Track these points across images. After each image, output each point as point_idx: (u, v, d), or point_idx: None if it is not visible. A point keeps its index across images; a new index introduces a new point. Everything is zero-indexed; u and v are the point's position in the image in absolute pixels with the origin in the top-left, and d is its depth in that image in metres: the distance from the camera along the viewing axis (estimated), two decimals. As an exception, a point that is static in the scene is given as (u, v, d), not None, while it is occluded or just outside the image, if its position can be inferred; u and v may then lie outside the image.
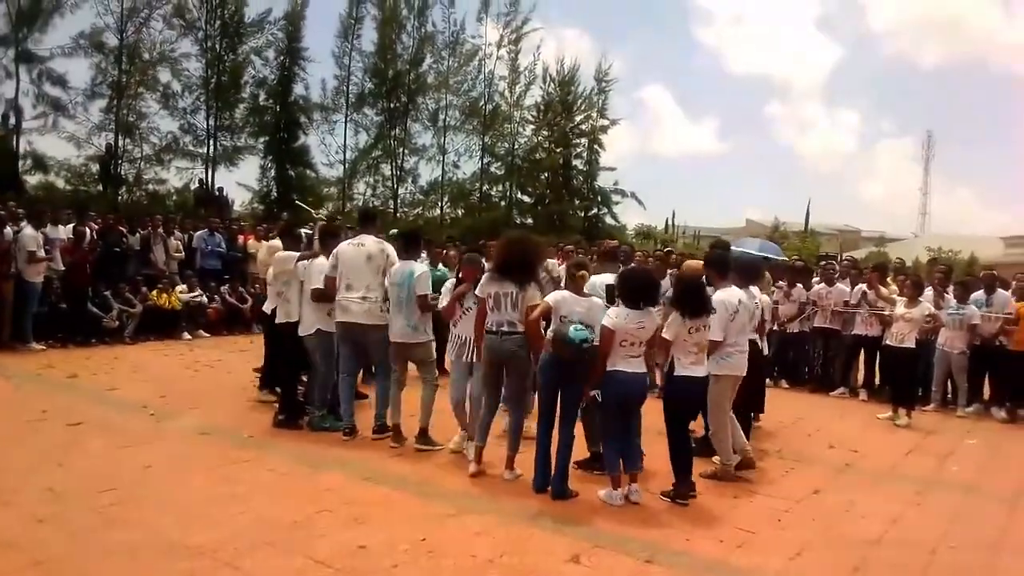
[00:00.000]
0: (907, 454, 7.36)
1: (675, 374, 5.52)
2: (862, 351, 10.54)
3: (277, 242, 7.84)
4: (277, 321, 7.08)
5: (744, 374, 6.06)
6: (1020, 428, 8.95)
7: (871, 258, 35.24)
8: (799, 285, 10.86)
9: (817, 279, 11.26)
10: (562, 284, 6.04)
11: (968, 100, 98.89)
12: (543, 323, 5.48)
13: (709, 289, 5.80)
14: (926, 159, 66.83)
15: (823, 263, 12.78)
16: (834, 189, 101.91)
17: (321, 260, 6.71)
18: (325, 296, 6.54)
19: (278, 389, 7.41)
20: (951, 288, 10.22)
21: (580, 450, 5.72)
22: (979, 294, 9.87)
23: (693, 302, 5.47)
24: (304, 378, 7.16)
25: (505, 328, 5.53)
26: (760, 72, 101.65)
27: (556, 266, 9.03)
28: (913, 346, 8.68)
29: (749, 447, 6.28)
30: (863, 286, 10.44)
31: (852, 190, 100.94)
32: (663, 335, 5.40)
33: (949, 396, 9.95)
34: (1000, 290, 9.88)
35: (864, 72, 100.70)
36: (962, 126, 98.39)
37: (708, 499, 5.51)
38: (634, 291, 5.25)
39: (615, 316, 5.18)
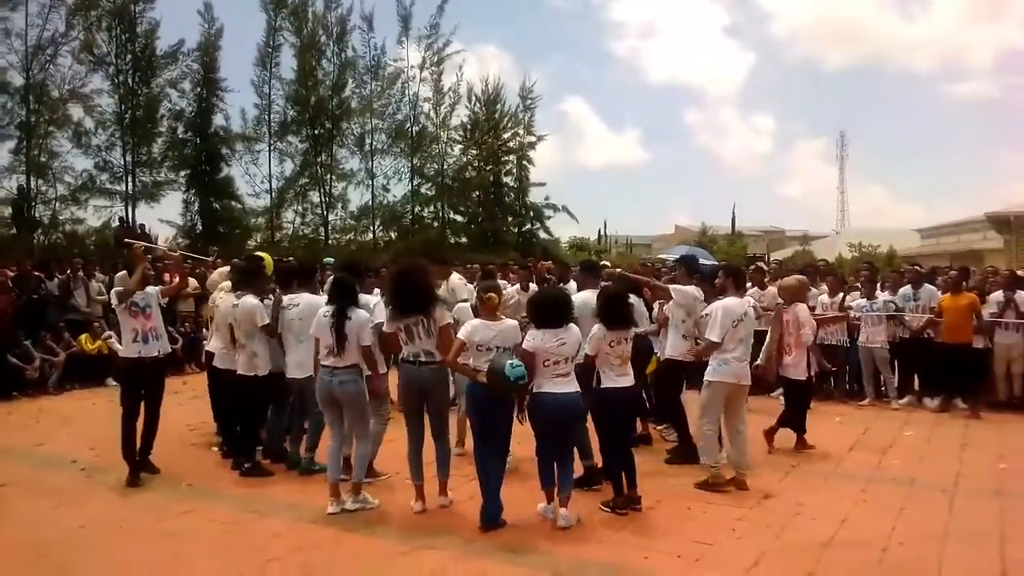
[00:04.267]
0: (849, 451, 7.54)
1: (601, 386, 5.51)
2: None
3: (227, 283, 7.24)
4: (241, 372, 6.55)
5: (746, 384, 6.19)
6: (952, 417, 9.27)
7: (797, 256, 36.48)
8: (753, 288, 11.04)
9: (749, 284, 11.47)
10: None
11: (873, 99, 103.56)
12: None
13: (713, 304, 6.00)
14: (840, 158, 69.73)
15: (752, 265, 13.04)
16: (756, 191, 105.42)
17: (309, 298, 6.41)
18: None
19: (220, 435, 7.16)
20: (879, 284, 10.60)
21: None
22: (906, 289, 10.24)
23: (614, 314, 5.52)
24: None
25: (423, 358, 5.39)
26: (676, 81, 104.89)
27: (460, 284, 8.91)
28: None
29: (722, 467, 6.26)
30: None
31: (773, 191, 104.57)
32: (586, 351, 5.43)
33: (883, 389, 10.24)
34: (926, 284, 10.28)
35: (774, 77, 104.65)
36: (870, 125, 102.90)
37: (662, 511, 5.54)
38: (548, 310, 5.21)
39: (532, 338, 5.14)
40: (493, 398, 5.11)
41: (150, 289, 6.43)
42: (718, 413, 6.23)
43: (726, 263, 7.08)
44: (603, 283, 6.50)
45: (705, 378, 6.18)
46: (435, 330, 5.34)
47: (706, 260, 11.62)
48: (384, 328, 5.60)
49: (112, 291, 6.56)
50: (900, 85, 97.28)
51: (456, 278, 8.91)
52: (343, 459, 6.16)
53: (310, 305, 6.31)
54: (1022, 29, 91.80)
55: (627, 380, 5.53)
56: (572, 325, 5.27)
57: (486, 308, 5.29)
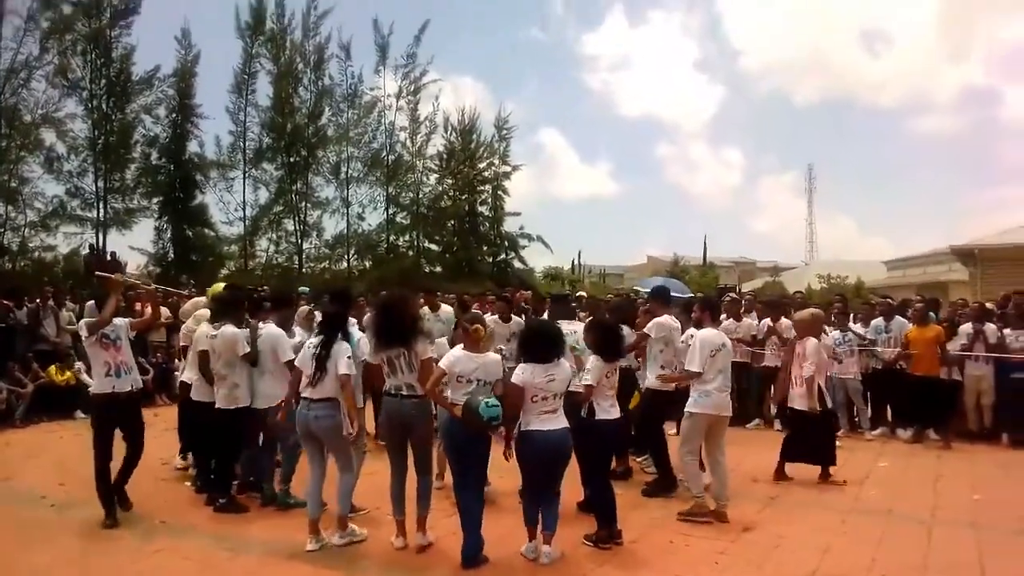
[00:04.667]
0: (827, 481, 7.56)
1: (596, 419, 5.49)
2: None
3: (204, 312, 7.21)
4: (220, 406, 6.41)
5: (726, 415, 6.25)
6: (925, 448, 9.37)
7: (767, 287, 36.87)
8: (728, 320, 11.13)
9: (724, 315, 11.55)
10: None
11: (841, 134, 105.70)
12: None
13: (690, 330, 5.98)
14: (809, 191, 70.77)
15: (726, 297, 13.17)
16: (727, 223, 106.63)
17: (272, 328, 6.42)
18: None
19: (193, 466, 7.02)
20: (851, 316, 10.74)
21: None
22: (878, 321, 10.42)
23: (610, 345, 5.55)
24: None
25: (404, 391, 5.32)
26: (648, 115, 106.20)
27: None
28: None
29: (706, 496, 6.26)
30: (768, 320, 10.83)
31: (743, 223, 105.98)
32: (587, 380, 5.41)
33: (857, 420, 10.34)
34: (898, 316, 10.45)
35: (744, 111, 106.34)
36: (839, 158, 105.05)
37: (645, 544, 5.53)
38: (538, 344, 5.16)
39: (522, 372, 5.06)
40: (467, 433, 5.03)
41: (119, 321, 6.14)
42: (699, 444, 6.28)
43: (703, 296, 7.20)
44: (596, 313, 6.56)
45: (687, 409, 6.22)
46: (416, 363, 5.28)
47: (681, 293, 11.74)
48: (369, 359, 5.56)
49: (82, 322, 6.33)
50: (867, 120, 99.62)
51: (449, 308, 8.87)
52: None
53: (270, 336, 6.35)
54: (984, 67, 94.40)
55: (616, 411, 5.55)
56: (563, 360, 5.21)
57: (471, 340, 5.21)
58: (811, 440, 7.51)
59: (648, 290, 10.79)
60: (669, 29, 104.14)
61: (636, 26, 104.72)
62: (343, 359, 5.43)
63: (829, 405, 7.69)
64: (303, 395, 5.50)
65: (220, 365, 6.38)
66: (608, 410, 5.50)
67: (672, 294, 10.24)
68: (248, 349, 6.33)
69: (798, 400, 7.54)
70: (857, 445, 9.45)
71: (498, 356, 5.42)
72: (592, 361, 5.52)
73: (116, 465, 6.18)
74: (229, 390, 6.37)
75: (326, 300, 6.69)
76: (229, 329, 6.38)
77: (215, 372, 6.42)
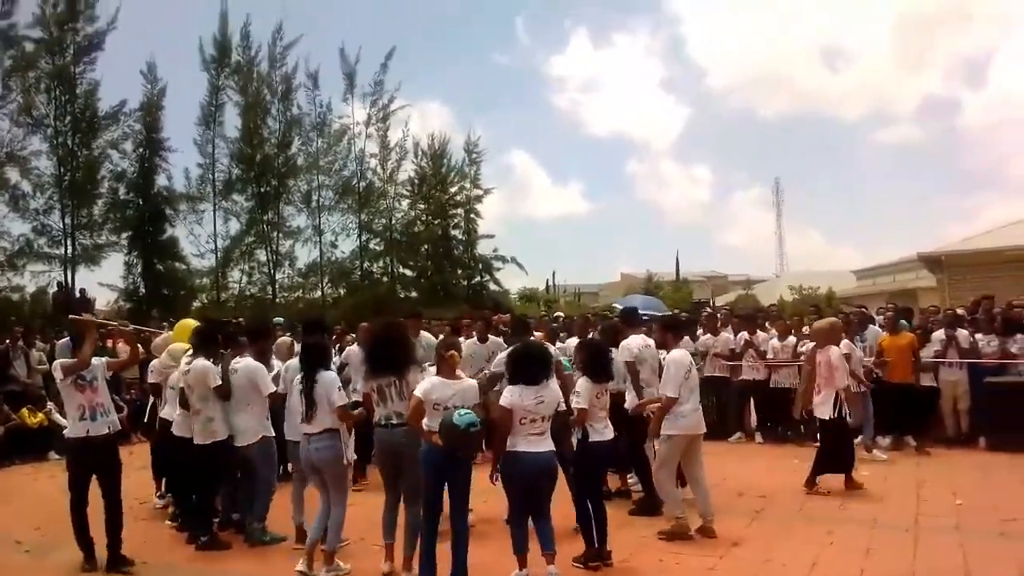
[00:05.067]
0: (810, 493, 7.60)
1: (589, 440, 5.49)
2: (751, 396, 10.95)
3: (177, 345, 7.12)
4: (198, 442, 6.28)
5: (701, 432, 6.26)
6: (905, 455, 9.46)
7: (740, 300, 37.21)
8: (686, 337, 11.17)
9: (701, 331, 11.64)
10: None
11: (806, 148, 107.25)
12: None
13: (661, 352, 5.97)
14: (777, 204, 71.50)
15: (704, 313, 13.27)
16: (698, 239, 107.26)
17: (249, 362, 6.35)
18: (279, 398, 6.27)
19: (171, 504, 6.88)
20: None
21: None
22: (852, 330, 10.50)
23: (598, 366, 5.56)
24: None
25: (395, 420, 5.28)
26: (616, 134, 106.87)
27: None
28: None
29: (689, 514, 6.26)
30: (745, 333, 10.92)
31: (714, 238, 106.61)
32: (578, 404, 5.40)
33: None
34: (872, 326, 10.58)
35: (710, 129, 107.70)
36: (805, 172, 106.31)
37: (634, 563, 5.53)
38: (526, 366, 5.12)
39: (510, 394, 5.02)
40: (450, 457, 4.92)
41: (95, 361, 5.86)
42: (676, 465, 6.26)
43: (664, 316, 7.26)
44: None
45: (663, 432, 6.16)
46: (408, 392, 5.23)
47: (658, 311, 11.83)
48: (361, 388, 5.54)
49: (56, 363, 6.02)
50: (831, 133, 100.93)
51: (428, 335, 8.77)
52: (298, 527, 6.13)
53: (247, 370, 6.27)
54: (941, 77, 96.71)
55: (610, 432, 5.56)
56: (551, 382, 5.18)
57: (447, 366, 5.17)
58: (838, 449, 7.55)
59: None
60: (634, 51, 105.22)
61: (601, 48, 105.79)
62: (335, 391, 5.42)
63: (847, 414, 7.67)
64: (302, 431, 5.50)
65: (194, 399, 6.28)
66: (601, 431, 5.50)
67: (648, 312, 10.36)
68: (219, 382, 6.24)
69: (820, 408, 7.59)
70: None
71: (474, 382, 5.40)
72: (581, 383, 5.52)
73: (94, 507, 5.97)
74: (204, 424, 6.26)
75: (301, 331, 6.64)
76: (200, 362, 6.29)
77: (191, 407, 6.33)
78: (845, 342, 9.09)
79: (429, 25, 66.24)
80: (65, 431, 6.08)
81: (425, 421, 5.01)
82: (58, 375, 5.78)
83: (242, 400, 6.27)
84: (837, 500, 7.31)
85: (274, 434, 6.45)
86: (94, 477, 5.84)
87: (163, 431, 7.04)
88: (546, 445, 5.05)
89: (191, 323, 7.48)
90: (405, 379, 5.26)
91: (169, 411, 6.91)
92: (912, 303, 18.95)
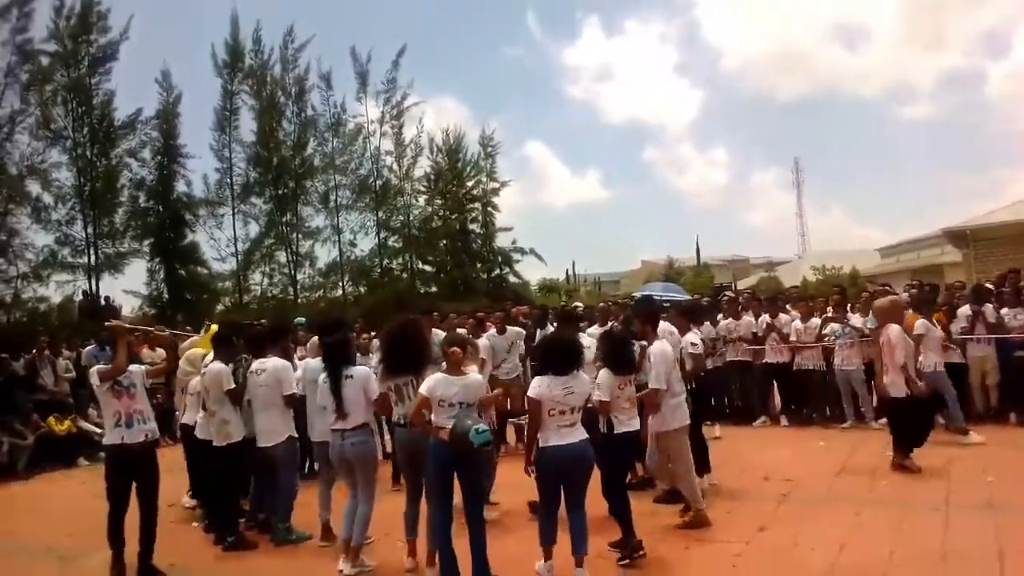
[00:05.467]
0: (837, 475, 7.52)
1: (615, 432, 5.44)
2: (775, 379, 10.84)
3: (197, 351, 7.27)
4: (216, 444, 6.35)
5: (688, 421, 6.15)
6: (935, 433, 9.28)
7: (762, 283, 36.91)
8: (707, 323, 11.09)
9: (722, 315, 11.53)
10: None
11: (825, 126, 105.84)
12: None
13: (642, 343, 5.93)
14: (797, 184, 70.62)
15: (724, 297, 13.14)
16: (718, 222, 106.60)
17: (277, 362, 6.37)
18: (296, 401, 6.32)
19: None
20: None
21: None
22: (875, 309, 10.33)
23: (621, 357, 5.51)
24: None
25: None
26: (633, 121, 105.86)
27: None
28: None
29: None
30: (767, 316, 10.81)
31: (734, 221, 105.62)
32: (599, 396, 5.34)
33: (863, 410, 10.27)
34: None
35: (726, 111, 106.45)
36: (825, 151, 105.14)
37: (661, 551, 5.48)
38: (559, 355, 5.06)
39: (539, 384, 4.96)
40: (457, 453, 4.87)
41: (135, 368, 5.76)
42: (689, 453, 6.20)
43: (687, 301, 7.15)
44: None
45: (670, 428, 6.03)
46: None
47: (678, 295, 11.74)
48: (378, 387, 5.52)
49: (93, 369, 5.91)
50: (850, 111, 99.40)
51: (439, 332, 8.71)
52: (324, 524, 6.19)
53: (275, 370, 6.27)
54: (960, 53, 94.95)
55: (636, 423, 5.51)
56: (581, 373, 5.10)
57: (450, 362, 5.14)
58: (913, 424, 7.45)
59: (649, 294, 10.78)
60: (647, 38, 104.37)
61: (613, 36, 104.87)
62: (372, 383, 5.52)
63: (919, 390, 7.56)
64: (333, 428, 5.53)
65: (210, 401, 6.35)
66: (626, 423, 5.45)
67: (668, 296, 10.29)
68: (232, 385, 6.28)
69: (892, 388, 7.47)
70: (865, 436, 9.38)
71: (479, 377, 5.38)
72: (602, 375, 5.45)
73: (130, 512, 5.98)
74: (219, 426, 6.32)
75: (320, 332, 6.64)
76: (215, 365, 6.36)
77: (208, 409, 6.40)
78: (921, 320, 8.97)
79: (441, 21, 66.09)
80: (103, 439, 6.06)
81: (432, 417, 4.99)
82: (94, 380, 5.70)
83: (268, 400, 6.29)
84: (866, 481, 7.21)
85: (297, 435, 6.48)
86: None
87: (184, 435, 7.13)
88: (578, 435, 4.97)
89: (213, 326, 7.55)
90: (423, 378, 5.21)
91: (190, 416, 6.98)
92: (938, 279, 18.68)
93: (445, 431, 4.84)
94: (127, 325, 6.42)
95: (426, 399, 4.97)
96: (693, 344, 6.78)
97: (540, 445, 4.97)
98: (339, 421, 5.47)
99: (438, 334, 8.88)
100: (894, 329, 7.53)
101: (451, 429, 4.80)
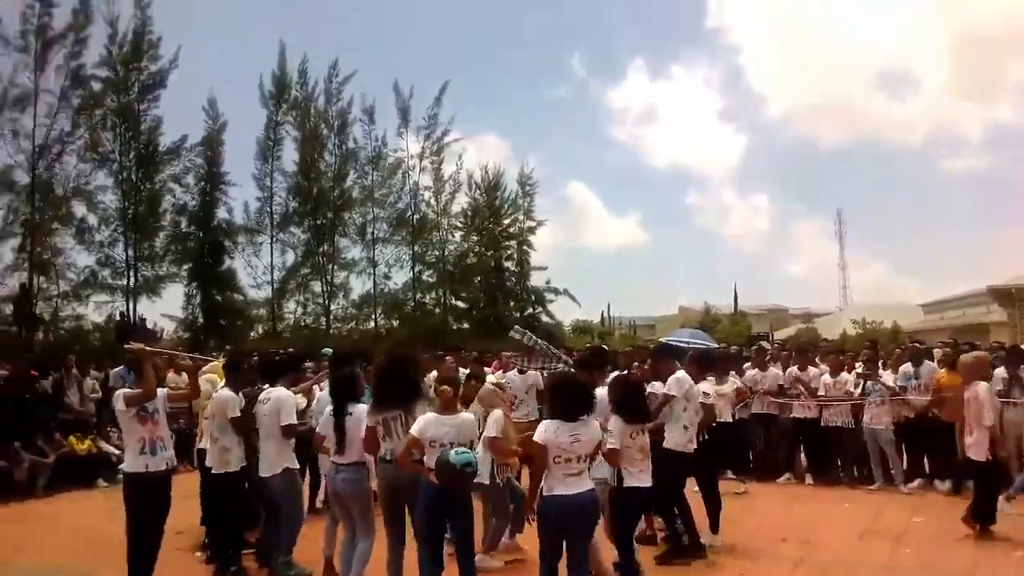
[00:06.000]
0: (859, 539, 7.23)
1: (625, 485, 5.26)
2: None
3: (208, 377, 7.17)
4: (214, 472, 6.30)
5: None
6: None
7: (800, 335, 36.29)
8: (732, 372, 10.83)
9: (749, 364, 11.27)
10: None
11: (869, 176, 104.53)
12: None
13: (656, 384, 5.80)
14: (840, 235, 69.54)
15: (755, 346, 12.89)
16: (758, 270, 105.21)
17: (280, 391, 6.25)
18: (294, 432, 6.16)
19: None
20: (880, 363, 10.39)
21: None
22: (907, 367, 10.00)
23: (632, 405, 5.35)
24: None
25: None
26: (675, 165, 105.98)
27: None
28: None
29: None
30: (795, 369, 10.53)
31: (774, 270, 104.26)
32: (610, 445, 5.13)
33: (892, 472, 9.89)
34: (927, 361, 10.07)
35: (769, 158, 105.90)
36: (869, 201, 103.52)
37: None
38: (564, 399, 4.83)
39: (544, 429, 4.73)
40: (448, 494, 4.79)
41: (158, 391, 5.67)
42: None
43: (701, 349, 7.01)
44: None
45: None
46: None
47: (706, 341, 11.51)
48: (366, 422, 5.43)
49: (119, 393, 5.69)
50: (895, 161, 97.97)
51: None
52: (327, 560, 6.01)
53: (277, 400, 6.17)
54: (1010, 105, 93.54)
55: (648, 478, 5.31)
56: (591, 419, 4.85)
57: (441, 402, 5.06)
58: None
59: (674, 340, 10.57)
60: (691, 82, 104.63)
61: (658, 79, 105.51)
62: (363, 424, 5.39)
63: (1006, 454, 7.28)
64: (332, 460, 5.50)
65: (214, 427, 6.31)
66: (637, 476, 5.26)
67: (695, 343, 10.08)
68: (236, 413, 6.22)
69: (974, 449, 7.10)
70: (893, 499, 9.03)
71: (471, 416, 5.27)
72: (613, 422, 5.24)
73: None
74: (220, 454, 6.25)
75: (334, 365, 6.61)
76: (224, 392, 6.32)
77: (211, 435, 6.36)
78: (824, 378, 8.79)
79: (485, 59, 67.29)
80: (123, 465, 5.92)
81: (425, 459, 4.90)
82: (119, 405, 5.55)
83: (270, 430, 6.22)
84: (888, 546, 6.90)
85: (298, 466, 6.41)
86: None
87: (200, 461, 7.12)
88: (584, 485, 4.71)
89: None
90: (412, 413, 5.16)
91: (206, 441, 6.95)
92: (982, 338, 18.14)
93: (432, 472, 4.75)
94: (149, 349, 6.36)
95: (416, 440, 4.89)
96: (705, 394, 6.61)
97: (543, 493, 4.75)
98: (337, 455, 5.41)
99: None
100: (983, 387, 7.12)
101: (435, 464, 4.74)
